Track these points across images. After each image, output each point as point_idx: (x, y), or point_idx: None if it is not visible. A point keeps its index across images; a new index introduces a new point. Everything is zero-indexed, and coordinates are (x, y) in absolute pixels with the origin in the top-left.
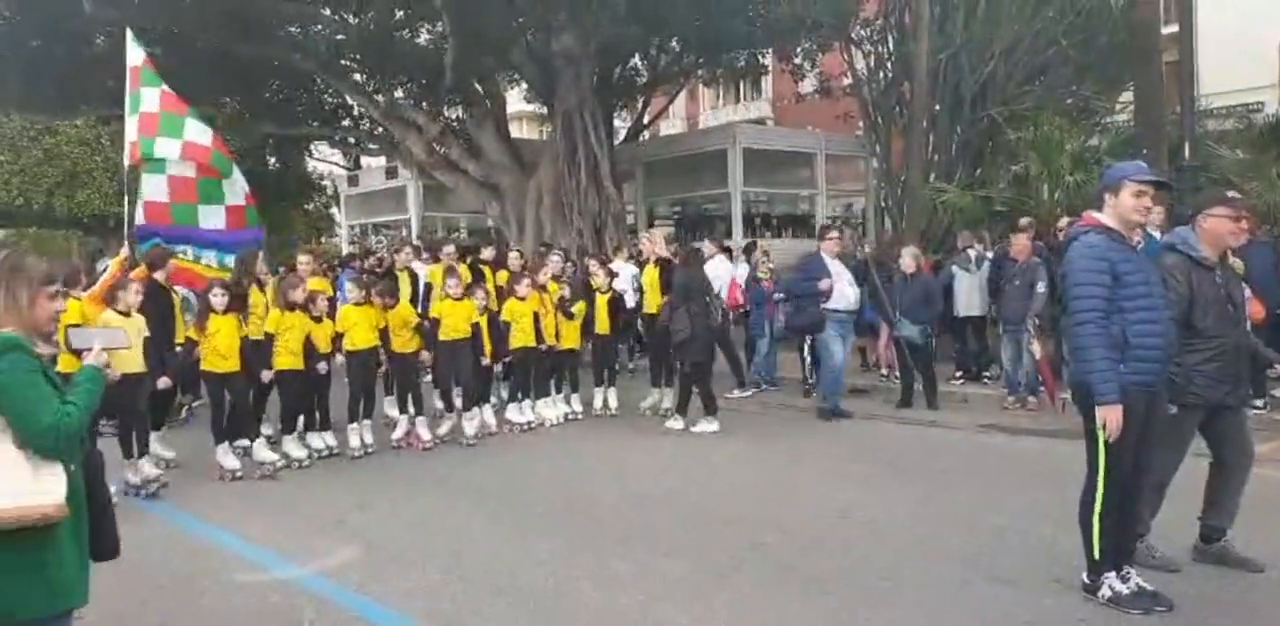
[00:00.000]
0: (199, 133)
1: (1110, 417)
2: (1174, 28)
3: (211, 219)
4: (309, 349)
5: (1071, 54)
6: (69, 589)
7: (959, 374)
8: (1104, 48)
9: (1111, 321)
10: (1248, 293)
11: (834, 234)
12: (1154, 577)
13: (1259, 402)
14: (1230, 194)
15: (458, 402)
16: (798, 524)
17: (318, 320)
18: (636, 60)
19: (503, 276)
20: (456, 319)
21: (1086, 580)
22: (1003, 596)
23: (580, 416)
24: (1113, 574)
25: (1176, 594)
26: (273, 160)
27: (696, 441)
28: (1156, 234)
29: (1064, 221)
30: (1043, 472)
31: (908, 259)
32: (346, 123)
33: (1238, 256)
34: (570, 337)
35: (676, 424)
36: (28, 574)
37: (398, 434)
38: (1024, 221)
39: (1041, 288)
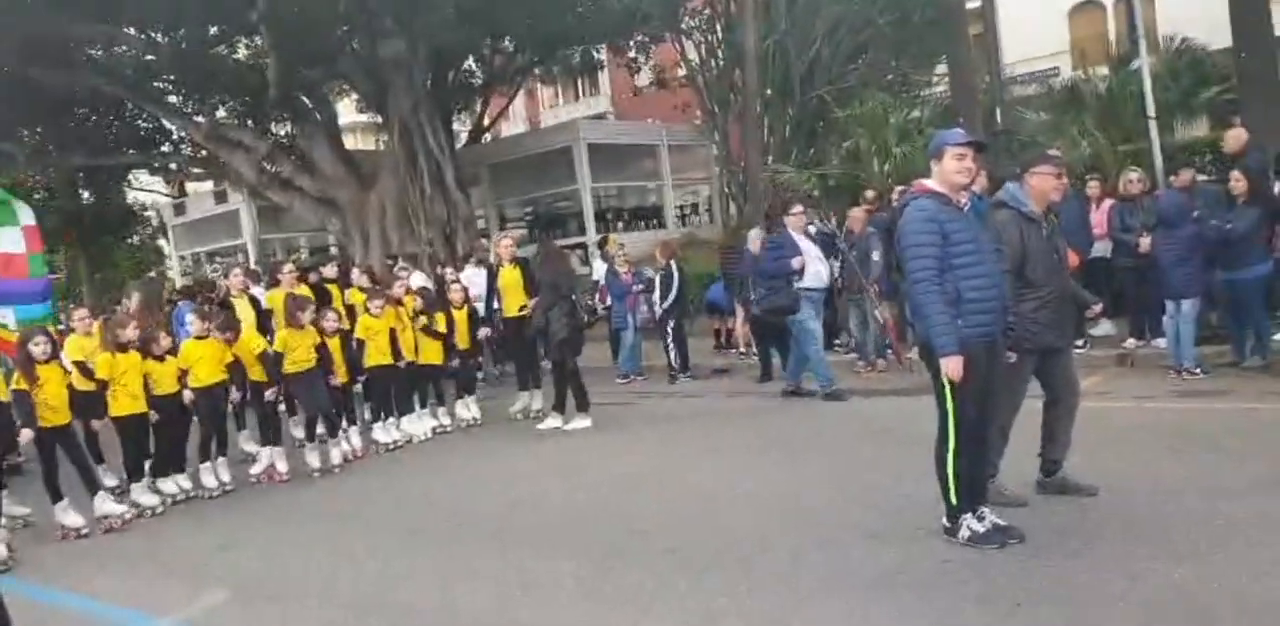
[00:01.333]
0: None
1: (951, 367)
2: (977, 2)
3: None
4: (149, 393)
5: (888, 32)
6: None
7: None
8: (917, 25)
9: (945, 279)
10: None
11: (798, 208)
12: (1005, 513)
13: (1080, 342)
14: (1050, 152)
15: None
16: (674, 508)
17: (160, 359)
18: (470, 62)
19: (353, 294)
20: (301, 350)
21: (946, 524)
22: (874, 549)
23: (449, 429)
24: (969, 515)
25: (1026, 525)
26: (87, 194)
27: (568, 440)
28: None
29: (898, 191)
30: (898, 430)
31: (754, 240)
32: (166, 148)
33: (1053, 210)
34: (432, 353)
35: (554, 421)
36: None
37: (257, 469)
38: (869, 194)
39: (876, 256)
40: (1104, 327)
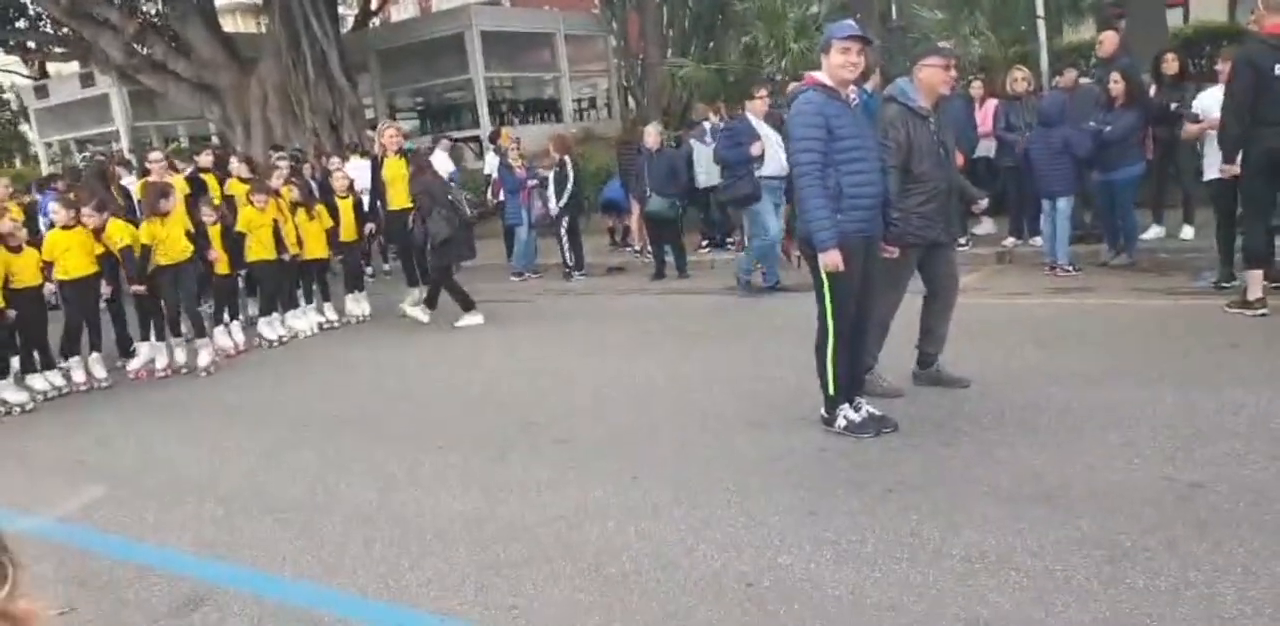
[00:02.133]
0: None
1: (830, 261)
2: None
3: None
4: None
5: None
6: None
7: (705, 243)
8: None
9: (828, 174)
10: None
11: (763, 92)
12: (882, 403)
13: (962, 240)
14: (941, 44)
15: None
16: (565, 400)
17: (16, 250)
18: None
19: (232, 185)
20: (170, 240)
21: (825, 414)
22: (757, 439)
23: (336, 325)
24: (846, 405)
25: (901, 414)
26: None
27: (460, 335)
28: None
29: (792, 86)
30: (785, 325)
31: (650, 135)
32: (22, 24)
33: (938, 109)
34: (316, 247)
35: (423, 316)
36: None
37: (135, 364)
38: (761, 91)
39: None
40: (985, 226)
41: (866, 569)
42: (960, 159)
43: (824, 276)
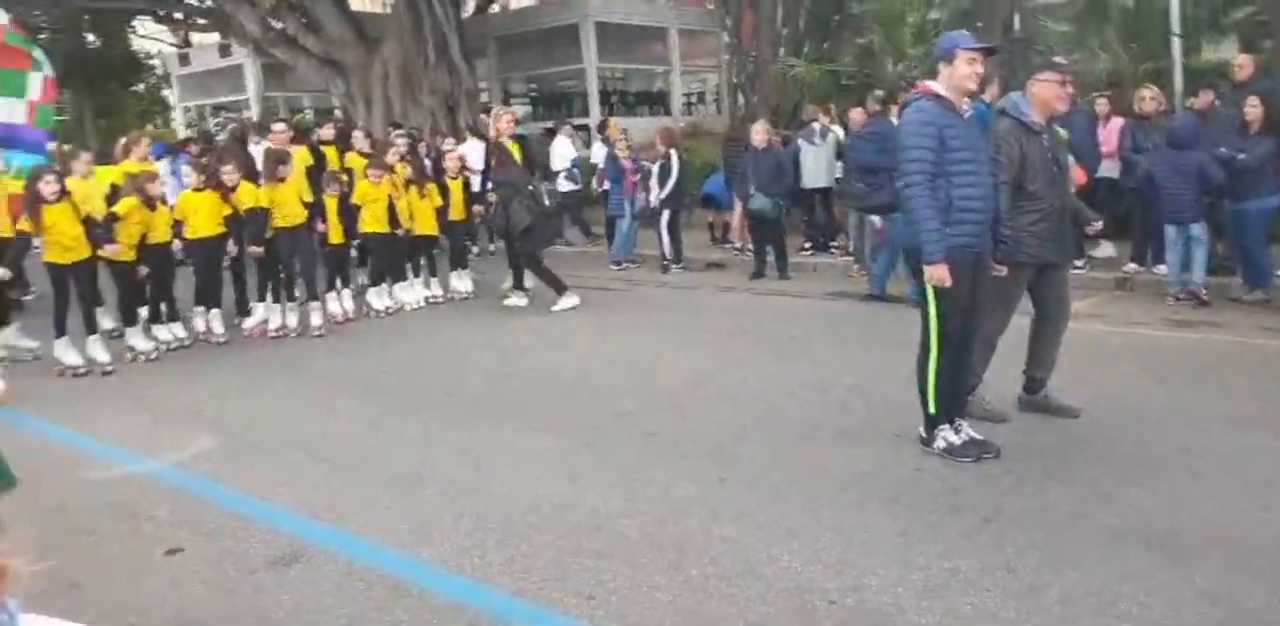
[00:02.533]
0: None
1: (936, 274)
2: None
3: (13, 111)
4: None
5: None
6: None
7: (808, 245)
8: None
9: (938, 185)
10: (1071, 160)
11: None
12: (984, 427)
13: (1079, 262)
14: (1057, 59)
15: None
16: (657, 392)
17: (152, 208)
18: None
19: (352, 159)
20: (288, 205)
21: (923, 433)
22: (848, 451)
23: (440, 300)
24: (946, 426)
25: (1003, 441)
26: (92, 38)
27: (558, 319)
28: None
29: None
30: (886, 336)
31: (758, 133)
32: None
33: (1063, 125)
34: (426, 224)
35: (521, 300)
36: None
37: (250, 323)
38: (877, 93)
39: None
40: (1105, 249)
41: (956, 598)
42: (1082, 177)
43: (930, 290)
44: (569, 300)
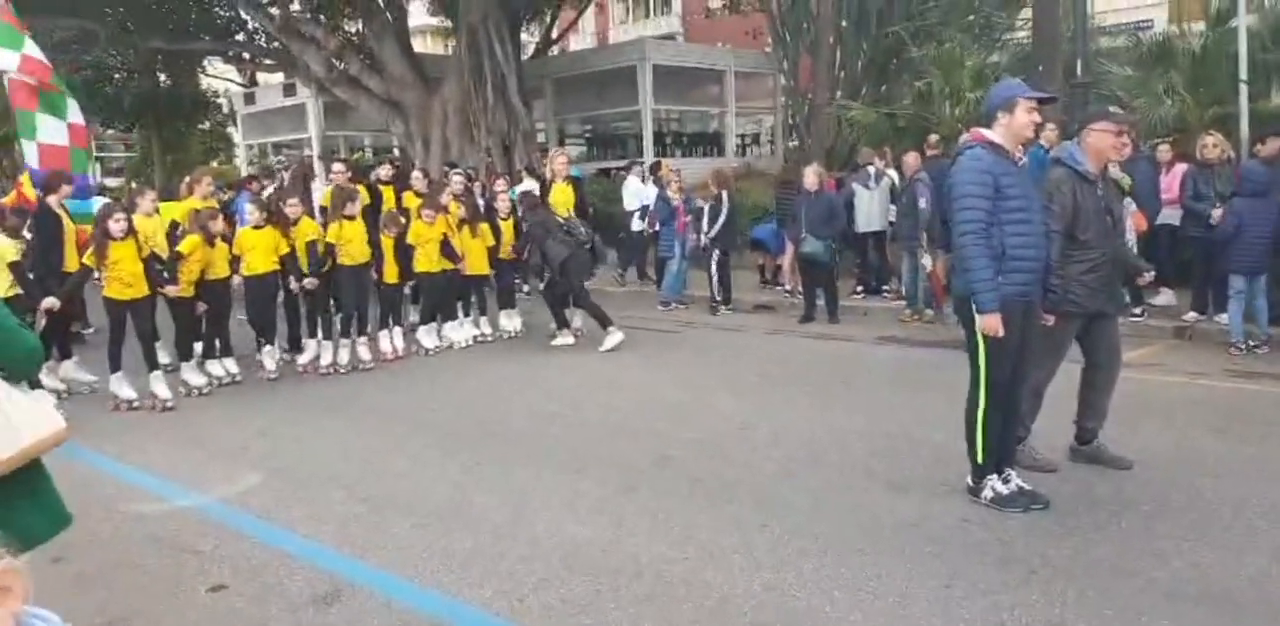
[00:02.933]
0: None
1: (989, 325)
2: None
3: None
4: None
5: None
6: (63, 507)
7: (859, 288)
8: None
9: (991, 234)
10: (1132, 206)
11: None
12: (1033, 478)
13: (1137, 310)
14: (1112, 109)
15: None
16: (702, 436)
17: (211, 242)
18: None
19: (408, 198)
20: (354, 243)
21: (971, 483)
22: (894, 500)
23: (489, 339)
24: (995, 476)
25: (1054, 492)
26: (163, 77)
27: (603, 360)
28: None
29: (964, 138)
30: (936, 382)
31: (810, 176)
32: (240, 37)
33: (1125, 171)
34: (477, 263)
35: (569, 338)
36: (43, 498)
37: (303, 360)
38: (933, 138)
39: (924, 204)
40: (1165, 298)
41: None
42: (1142, 224)
43: (980, 339)
44: (615, 336)
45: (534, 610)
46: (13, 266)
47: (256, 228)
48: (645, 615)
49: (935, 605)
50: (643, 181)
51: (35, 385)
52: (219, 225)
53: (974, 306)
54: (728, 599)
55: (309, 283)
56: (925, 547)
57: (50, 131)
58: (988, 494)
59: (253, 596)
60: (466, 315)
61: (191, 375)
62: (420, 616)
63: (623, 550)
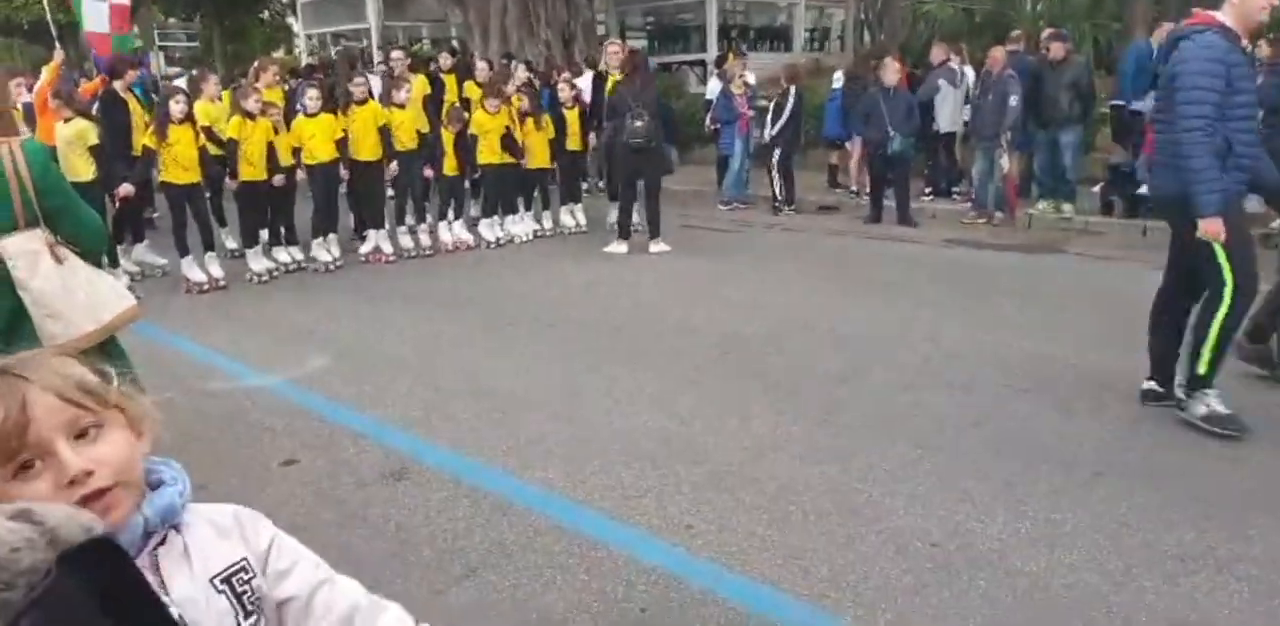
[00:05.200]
0: None
1: (1211, 230)
2: None
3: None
4: (271, 162)
5: None
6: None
7: (928, 190)
8: None
9: (1216, 130)
10: None
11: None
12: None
13: None
14: None
15: (410, 220)
16: (763, 334)
17: (275, 130)
18: None
19: (469, 88)
20: (402, 129)
21: (1182, 395)
22: (957, 400)
23: (549, 233)
24: (1213, 392)
25: (1125, 396)
26: None
27: (663, 258)
28: None
29: (1046, 33)
30: (1003, 286)
31: (891, 72)
32: None
33: None
34: (539, 156)
35: (619, 248)
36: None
37: (365, 249)
38: (1014, 33)
39: (1014, 101)
40: None
41: (1062, 550)
42: None
43: (1215, 244)
44: (659, 246)
45: (595, 492)
46: (93, 150)
47: (310, 116)
48: (704, 500)
49: (995, 502)
50: (702, 79)
51: (114, 263)
52: (252, 103)
53: (1194, 208)
54: (787, 488)
55: (393, 168)
56: (988, 447)
57: (94, 18)
58: (1201, 410)
59: (323, 471)
60: (528, 209)
61: (256, 261)
62: (485, 494)
63: (682, 439)
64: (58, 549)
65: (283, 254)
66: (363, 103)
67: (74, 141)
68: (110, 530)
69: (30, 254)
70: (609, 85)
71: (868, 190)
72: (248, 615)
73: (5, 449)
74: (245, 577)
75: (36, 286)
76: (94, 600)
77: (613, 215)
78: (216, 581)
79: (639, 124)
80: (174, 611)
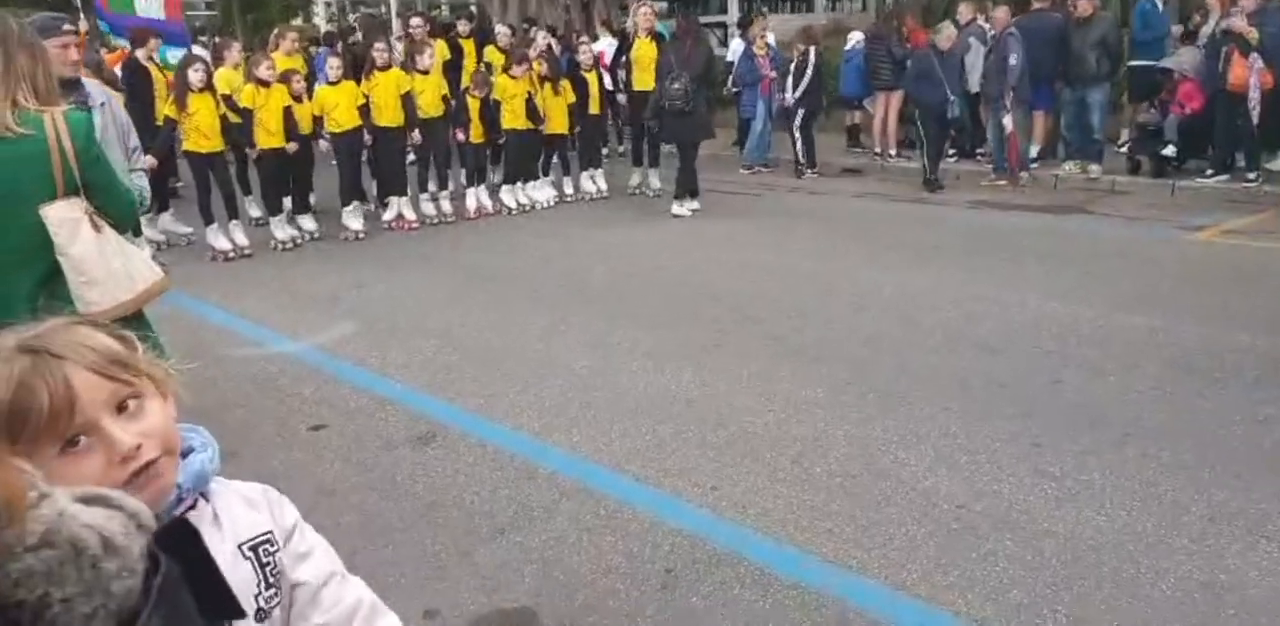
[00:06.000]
0: None
1: None
2: None
3: (150, 7)
4: (288, 129)
5: None
6: (164, 352)
7: (951, 151)
8: None
9: None
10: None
11: None
12: (1112, 346)
13: (1251, 175)
14: None
15: (432, 186)
16: (786, 297)
17: (295, 99)
18: None
19: (490, 52)
20: (426, 94)
21: None
22: (983, 361)
23: (570, 199)
24: None
25: (1151, 357)
26: None
27: (686, 222)
28: None
29: None
30: (1027, 247)
31: (946, 35)
32: None
33: (1253, 23)
34: (559, 122)
35: (684, 209)
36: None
37: (387, 216)
38: None
39: (1013, 60)
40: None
41: (1090, 511)
42: (1269, 81)
43: None
44: (691, 203)
45: (619, 454)
46: None
47: (332, 84)
48: (729, 462)
49: (1023, 463)
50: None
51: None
52: (264, 70)
53: None
54: (811, 449)
55: (416, 137)
56: (1014, 408)
57: (150, 4)
58: None
59: (352, 435)
60: (548, 175)
61: (280, 229)
62: (512, 456)
63: (706, 402)
64: (146, 534)
65: (307, 221)
66: (386, 68)
67: None
68: (157, 499)
69: (72, 222)
70: (635, 49)
71: (891, 151)
72: (268, 586)
73: (54, 428)
74: (271, 549)
75: (76, 252)
76: (183, 583)
77: (634, 178)
78: (244, 548)
79: (676, 86)
80: None
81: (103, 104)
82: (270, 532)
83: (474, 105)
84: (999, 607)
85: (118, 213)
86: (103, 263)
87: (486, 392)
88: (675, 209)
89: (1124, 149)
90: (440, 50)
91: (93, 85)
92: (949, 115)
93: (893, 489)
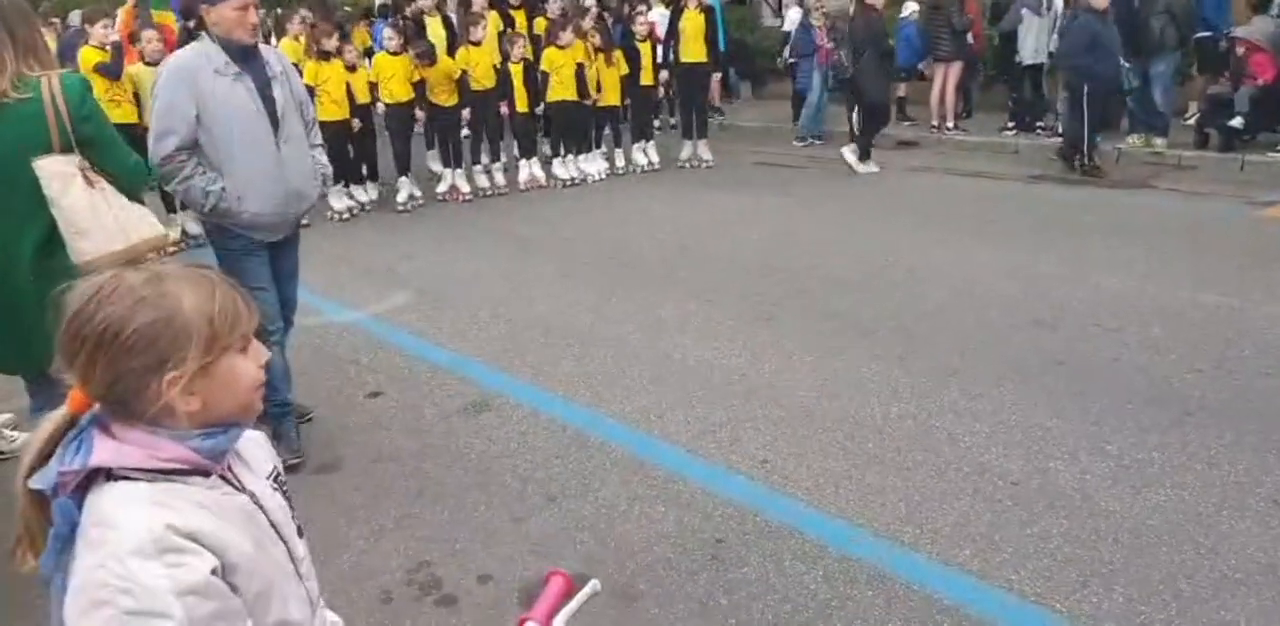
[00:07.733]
0: None
1: None
2: None
3: None
4: (351, 104)
5: None
6: None
7: (1010, 124)
8: None
9: None
10: None
11: None
12: (1182, 324)
13: None
14: None
15: (485, 159)
16: (840, 272)
17: (351, 69)
18: None
19: (540, 23)
20: (479, 68)
21: None
22: (1040, 337)
23: (622, 171)
24: None
25: (1211, 337)
26: None
27: (737, 195)
28: None
29: None
30: (1088, 222)
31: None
32: None
33: None
34: (611, 94)
35: (871, 167)
36: None
37: (441, 187)
38: None
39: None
40: None
41: (1148, 491)
42: None
43: None
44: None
45: (670, 426)
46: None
47: (393, 54)
48: (780, 435)
49: (1080, 441)
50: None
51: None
52: (331, 43)
53: None
54: (864, 424)
55: (466, 114)
56: (1072, 385)
57: None
58: None
59: (408, 403)
60: (600, 147)
61: (337, 200)
62: (564, 425)
63: (758, 375)
64: None
65: (361, 193)
66: (478, 43)
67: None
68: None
69: (64, 175)
70: (684, 19)
71: (950, 124)
72: (293, 509)
73: (240, 330)
74: (283, 480)
75: (66, 204)
76: None
77: (684, 151)
78: (271, 481)
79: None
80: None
81: (282, 72)
82: (277, 467)
83: (516, 72)
84: (1052, 585)
85: (119, 169)
86: (93, 215)
87: (538, 362)
88: (860, 169)
89: (1191, 121)
90: (493, 21)
91: (270, 53)
92: (1126, 86)
93: (946, 465)
